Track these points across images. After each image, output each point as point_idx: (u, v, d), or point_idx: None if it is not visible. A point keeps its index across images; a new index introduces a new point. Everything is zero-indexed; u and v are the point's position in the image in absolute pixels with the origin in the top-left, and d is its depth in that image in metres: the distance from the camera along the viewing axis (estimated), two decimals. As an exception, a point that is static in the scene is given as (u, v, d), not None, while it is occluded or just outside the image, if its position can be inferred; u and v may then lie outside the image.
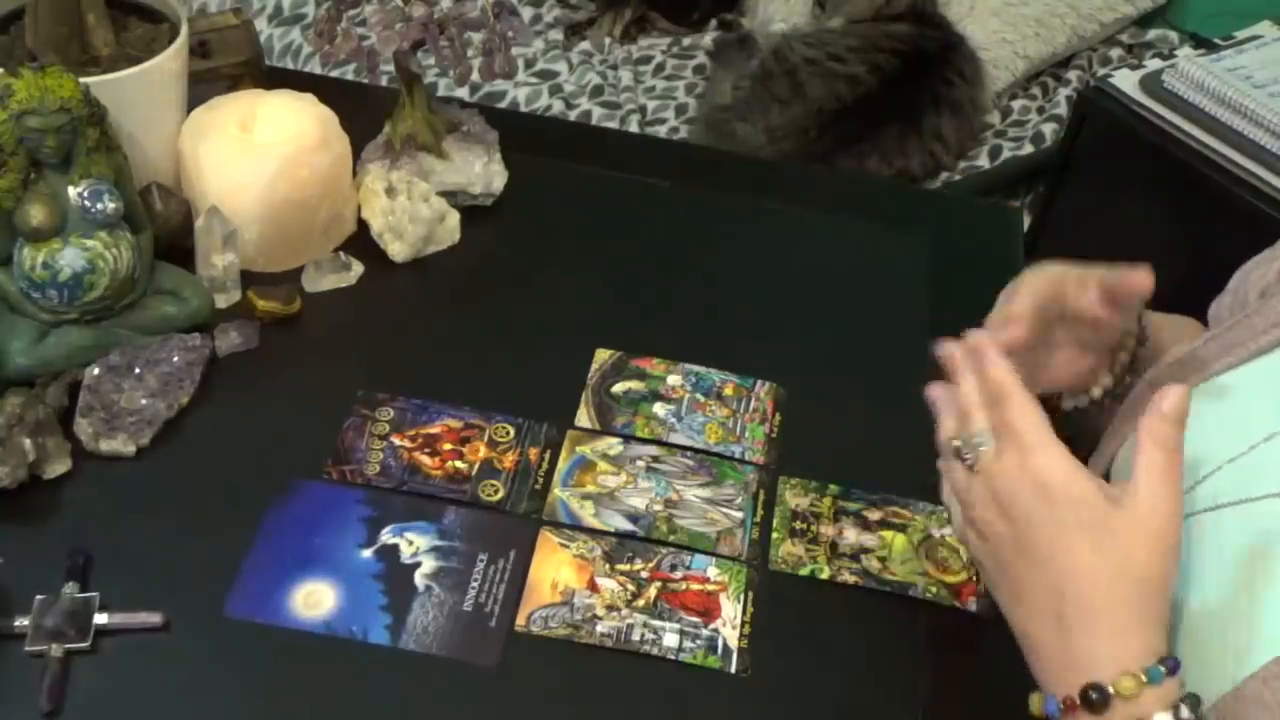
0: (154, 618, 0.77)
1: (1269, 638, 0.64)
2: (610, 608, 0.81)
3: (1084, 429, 0.91)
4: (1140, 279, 0.80)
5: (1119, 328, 0.85)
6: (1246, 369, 0.76)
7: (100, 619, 0.77)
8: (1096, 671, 0.64)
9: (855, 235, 1.15)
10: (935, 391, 0.76)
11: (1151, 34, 2.12)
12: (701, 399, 0.96)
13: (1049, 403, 0.88)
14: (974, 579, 0.85)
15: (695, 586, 0.83)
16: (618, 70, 2.03)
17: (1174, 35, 2.10)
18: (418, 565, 0.83)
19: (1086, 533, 0.65)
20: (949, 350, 0.75)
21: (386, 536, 0.84)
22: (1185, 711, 0.62)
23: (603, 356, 0.98)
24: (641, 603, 0.82)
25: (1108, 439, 0.85)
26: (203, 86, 1.05)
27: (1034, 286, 0.82)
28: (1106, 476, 0.81)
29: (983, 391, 0.72)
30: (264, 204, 0.98)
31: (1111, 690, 0.63)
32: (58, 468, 0.85)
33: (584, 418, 0.94)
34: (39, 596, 0.77)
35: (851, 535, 0.87)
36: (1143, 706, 0.62)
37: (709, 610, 0.82)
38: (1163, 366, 0.82)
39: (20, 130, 0.85)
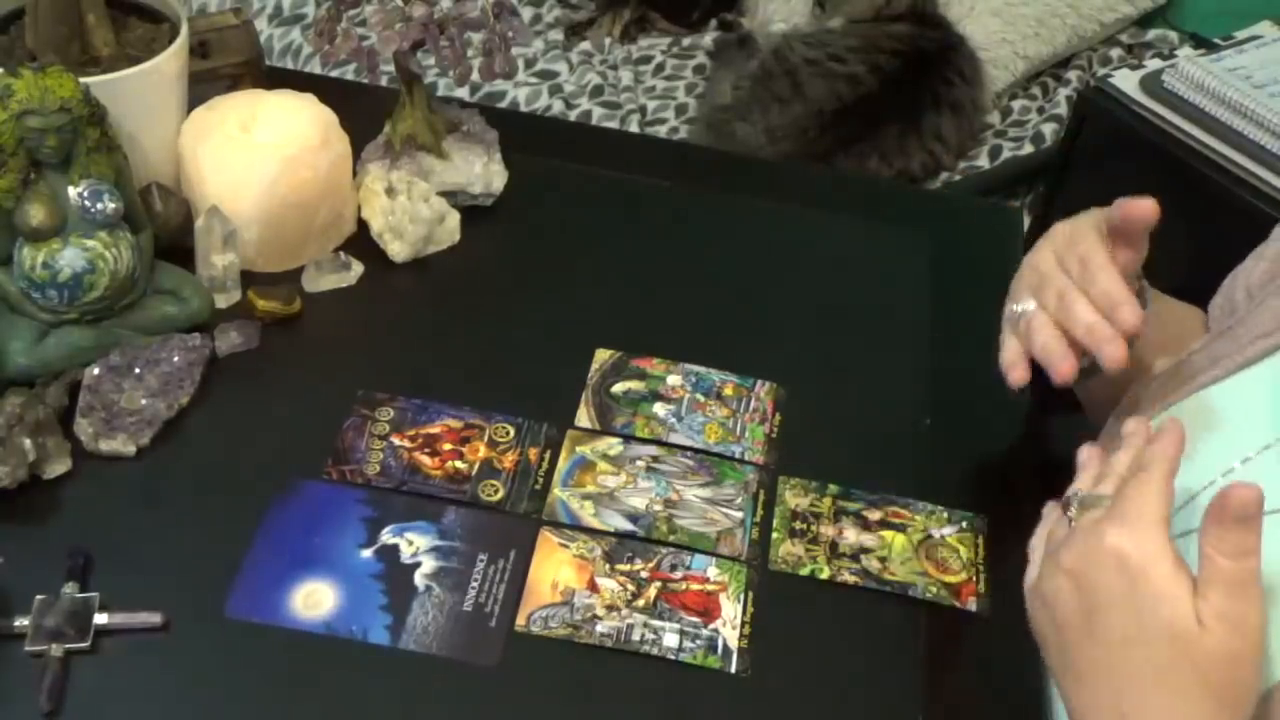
0: (154, 618, 0.77)
1: (1273, 659, 0.63)
2: (610, 608, 0.81)
3: (1087, 396, 0.91)
4: (1143, 207, 0.77)
5: (1136, 266, 0.82)
6: (1234, 380, 0.76)
7: (100, 619, 0.77)
8: None
9: (855, 235, 1.15)
10: (1087, 452, 0.72)
11: (1151, 34, 2.12)
12: (701, 399, 0.96)
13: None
14: (973, 579, 0.86)
15: (695, 586, 0.83)
16: (618, 70, 2.03)
17: (1174, 35, 2.10)
18: (418, 565, 0.83)
19: (1164, 633, 0.60)
20: (1133, 428, 0.70)
21: (386, 536, 0.84)
22: None
23: (603, 356, 0.98)
24: (641, 603, 0.82)
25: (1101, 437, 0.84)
26: (203, 86, 1.05)
27: (1102, 251, 0.78)
28: None
29: (1132, 464, 0.67)
30: (264, 204, 0.98)
31: None
32: (58, 468, 0.85)
33: (584, 418, 0.94)
34: (39, 596, 0.77)
35: (851, 535, 0.87)
36: None
37: (709, 610, 0.82)
38: (1151, 382, 0.82)
39: (20, 130, 0.85)
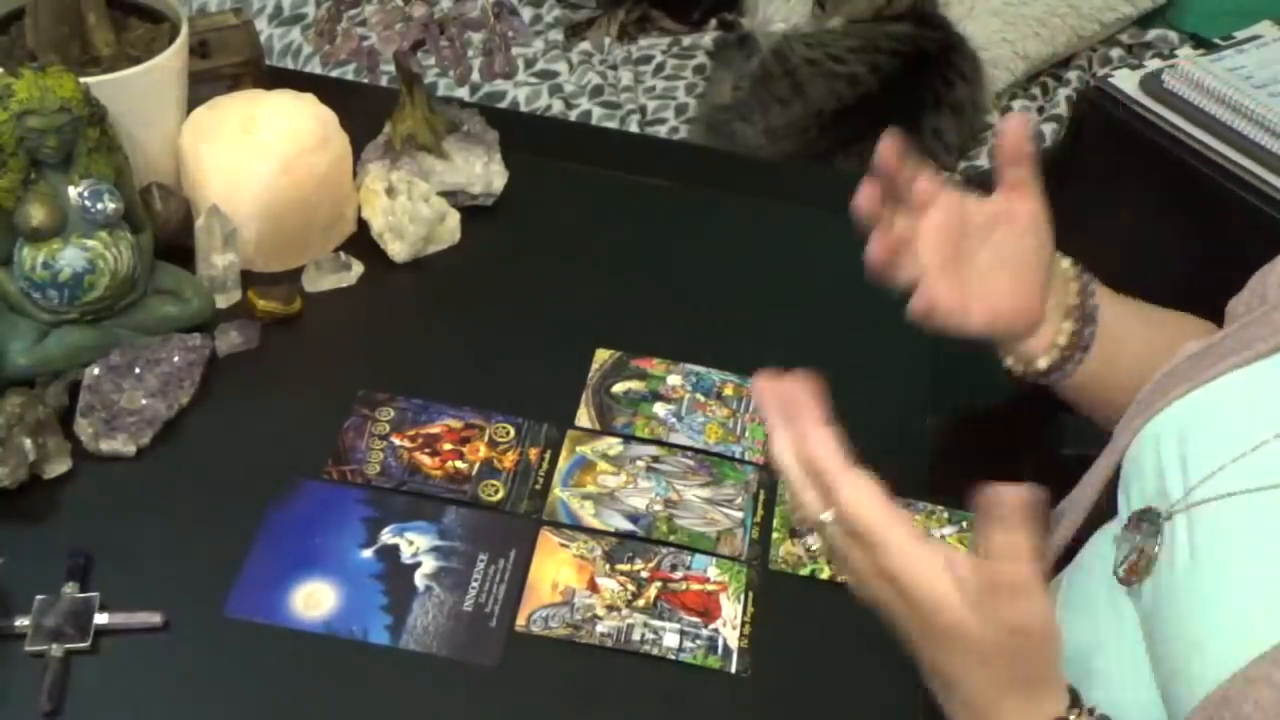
0: (154, 618, 0.77)
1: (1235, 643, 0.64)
2: (610, 608, 0.81)
3: (1079, 399, 0.91)
4: (1012, 125, 0.81)
5: (1038, 226, 0.86)
6: (1266, 364, 0.76)
7: (100, 619, 0.77)
8: None
9: (855, 235, 1.15)
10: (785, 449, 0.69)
11: (1151, 34, 2.12)
12: (701, 399, 0.96)
13: (1030, 366, 0.89)
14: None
15: (695, 586, 0.83)
16: (618, 70, 2.03)
17: (1174, 35, 2.10)
18: (418, 565, 0.83)
19: (929, 639, 0.65)
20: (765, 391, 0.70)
21: (387, 536, 0.84)
22: None
23: (603, 356, 0.98)
24: (641, 603, 0.82)
25: (1119, 432, 0.85)
26: (203, 86, 1.05)
27: (941, 212, 0.83)
28: (1117, 473, 0.81)
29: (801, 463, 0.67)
30: (264, 204, 0.98)
31: None
32: (58, 468, 0.85)
33: (584, 418, 0.94)
34: (39, 596, 0.77)
35: (852, 535, 0.87)
36: None
37: (709, 610, 0.82)
38: (1178, 361, 0.82)
39: (20, 130, 0.85)
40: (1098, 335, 0.88)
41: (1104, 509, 0.84)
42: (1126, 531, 0.77)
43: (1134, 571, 0.75)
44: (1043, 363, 0.88)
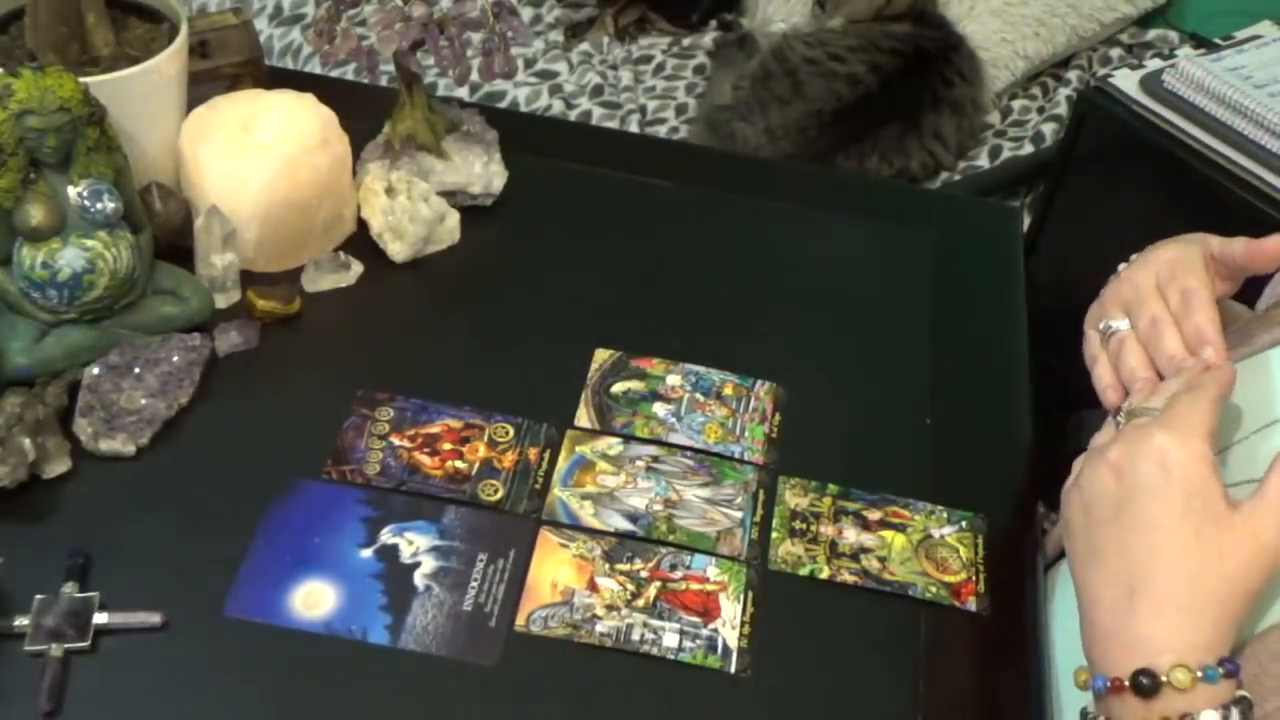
0: (153, 617, 0.77)
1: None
2: (610, 607, 0.81)
3: None
4: (1275, 251, 0.79)
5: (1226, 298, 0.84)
6: (1266, 356, 0.77)
7: (100, 619, 0.77)
8: (1152, 658, 0.63)
9: (855, 235, 1.15)
10: (1142, 378, 0.77)
11: (1151, 34, 2.12)
12: (701, 399, 0.96)
13: None
14: (973, 579, 0.86)
15: (695, 586, 0.83)
16: (618, 70, 2.03)
17: (1174, 35, 2.10)
18: (417, 565, 0.83)
19: (1194, 520, 0.64)
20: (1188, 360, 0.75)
21: (386, 536, 0.84)
22: (1235, 715, 0.61)
23: (603, 356, 0.98)
24: (641, 602, 0.82)
25: None
26: (203, 86, 1.05)
27: (1207, 288, 0.80)
28: None
29: (1184, 385, 0.72)
30: (264, 204, 0.98)
31: (1164, 679, 0.62)
32: (58, 468, 0.85)
33: (584, 418, 0.94)
34: (39, 596, 0.77)
35: (851, 535, 0.87)
36: (1193, 702, 0.61)
37: (709, 610, 0.82)
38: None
39: (20, 130, 0.85)
40: None
41: None
42: None
43: None
44: None
